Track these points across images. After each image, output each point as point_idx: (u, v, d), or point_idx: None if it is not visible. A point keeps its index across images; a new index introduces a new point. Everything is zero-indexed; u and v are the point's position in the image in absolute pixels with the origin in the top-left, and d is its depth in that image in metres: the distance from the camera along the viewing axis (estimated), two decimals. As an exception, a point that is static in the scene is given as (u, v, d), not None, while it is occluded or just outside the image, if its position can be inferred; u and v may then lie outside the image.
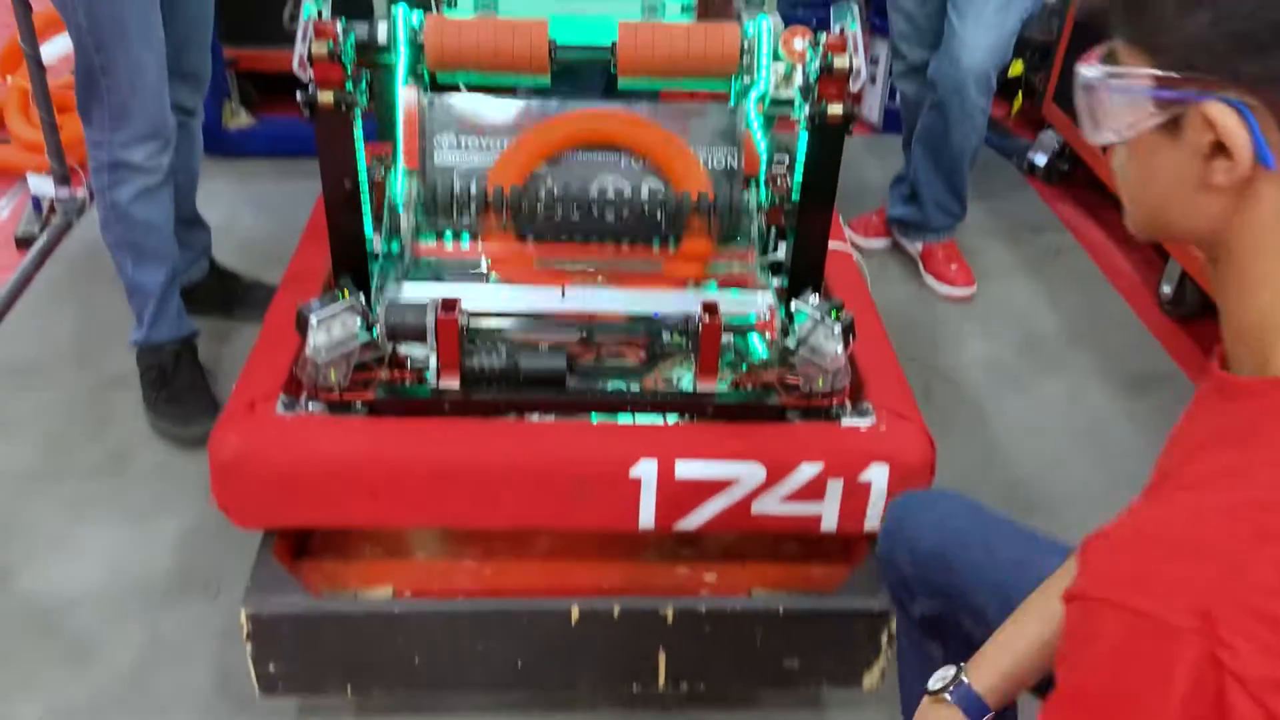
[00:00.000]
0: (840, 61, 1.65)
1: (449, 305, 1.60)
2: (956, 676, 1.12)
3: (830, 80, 1.66)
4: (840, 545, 1.83)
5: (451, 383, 1.65)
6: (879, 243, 3.15)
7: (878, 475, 1.62)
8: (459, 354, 1.62)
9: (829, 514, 1.65)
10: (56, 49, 3.25)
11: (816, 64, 1.67)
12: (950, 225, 2.99)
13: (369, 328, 1.66)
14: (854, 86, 1.68)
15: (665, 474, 1.60)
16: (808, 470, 1.61)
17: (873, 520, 1.66)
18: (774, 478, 1.61)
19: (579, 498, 1.62)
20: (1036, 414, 2.53)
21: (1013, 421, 2.49)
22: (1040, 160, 3.51)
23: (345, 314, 1.63)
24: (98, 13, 1.93)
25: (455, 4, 1.97)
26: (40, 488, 2.16)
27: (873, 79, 3.78)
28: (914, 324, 2.82)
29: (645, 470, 1.59)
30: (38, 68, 2.80)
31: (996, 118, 3.67)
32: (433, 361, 1.64)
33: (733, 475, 1.61)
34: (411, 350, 1.72)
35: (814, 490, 1.62)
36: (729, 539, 1.84)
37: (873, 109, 3.85)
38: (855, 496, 1.64)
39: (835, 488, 1.63)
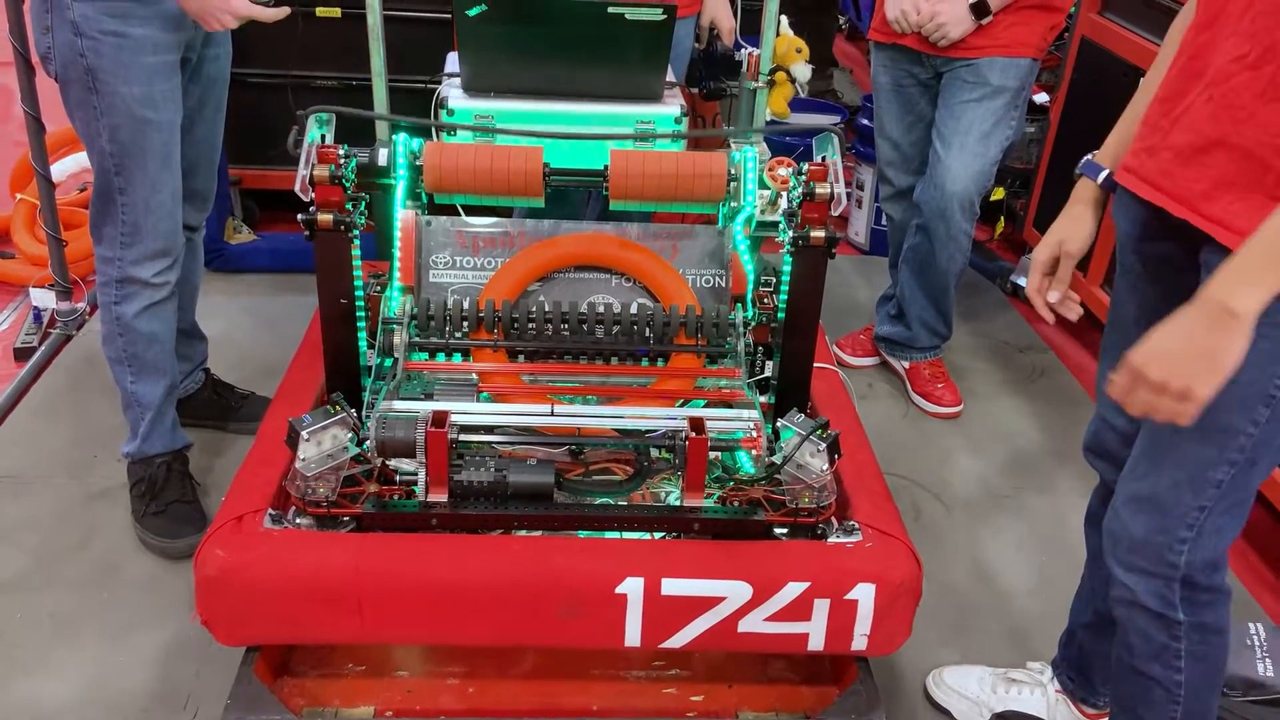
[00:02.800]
0: (821, 189, 1.72)
1: (439, 420, 1.62)
2: (1085, 159, 1.61)
3: (812, 206, 1.73)
4: (829, 665, 1.82)
5: (440, 496, 1.66)
6: (867, 361, 3.19)
7: (864, 594, 1.62)
8: (447, 468, 1.64)
9: (816, 633, 1.64)
10: (66, 167, 3.36)
11: (799, 191, 1.74)
12: (936, 345, 3.04)
13: (359, 442, 1.68)
14: (834, 212, 1.74)
15: (651, 592, 1.59)
16: (794, 589, 1.61)
17: (860, 640, 1.65)
18: (760, 597, 1.61)
19: (565, 615, 1.61)
20: (1024, 532, 2.53)
21: (1001, 540, 2.49)
22: (1023, 282, 3.55)
23: (336, 428, 1.65)
24: (122, 138, 2.01)
25: (454, 132, 2.05)
26: (24, 598, 2.13)
27: (859, 203, 3.90)
28: (902, 442, 2.84)
29: (631, 588, 1.59)
30: (48, 185, 2.89)
31: (980, 241, 3.77)
32: (422, 475, 1.65)
33: (719, 594, 1.61)
34: (401, 464, 1.73)
35: (800, 609, 1.62)
36: (717, 658, 1.82)
37: (860, 232, 3.95)
38: (842, 615, 1.63)
39: (822, 607, 1.62)
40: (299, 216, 1.72)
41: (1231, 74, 1.31)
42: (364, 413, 1.80)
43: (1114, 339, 1.65)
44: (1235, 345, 1.19)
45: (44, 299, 3.04)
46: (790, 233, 1.78)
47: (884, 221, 3.28)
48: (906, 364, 3.07)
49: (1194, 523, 1.43)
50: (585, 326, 1.88)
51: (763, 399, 1.93)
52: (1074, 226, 1.60)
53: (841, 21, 6.13)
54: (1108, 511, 1.53)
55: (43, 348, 2.94)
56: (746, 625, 1.63)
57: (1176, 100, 1.40)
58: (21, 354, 2.94)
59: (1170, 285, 1.51)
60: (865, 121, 3.71)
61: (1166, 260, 1.50)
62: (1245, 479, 1.41)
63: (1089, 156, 1.63)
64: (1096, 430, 1.71)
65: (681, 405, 1.86)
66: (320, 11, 3.23)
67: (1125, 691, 1.61)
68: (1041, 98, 3.61)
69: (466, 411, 1.72)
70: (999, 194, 3.73)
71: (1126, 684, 1.59)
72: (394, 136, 1.90)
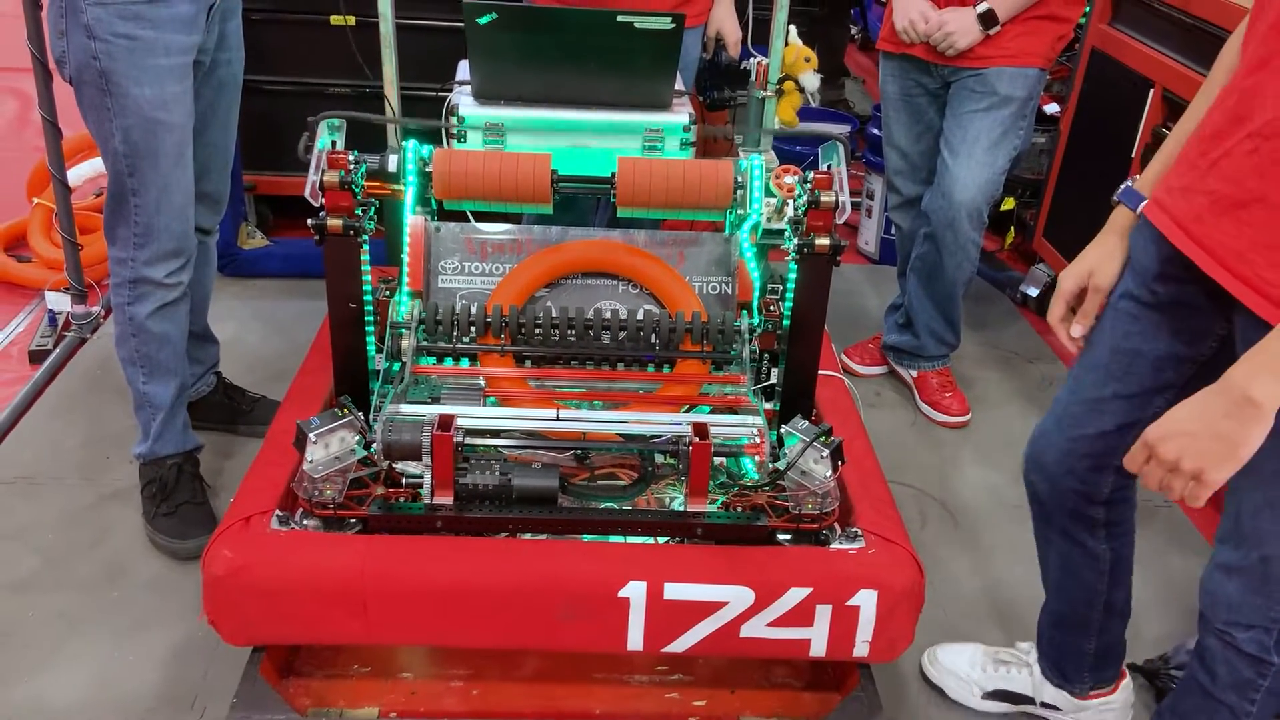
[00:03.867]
0: (826, 197, 1.73)
1: (445, 423, 1.64)
2: (1125, 185, 1.55)
3: (817, 214, 1.74)
4: (831, 671, 1.82)
5: (445, 499, 1.67)
6: (875, 370, 3.20)
7: (866, 601, 1.62)
8: (453, 471, 1.65)
9: (818, 639, 1.65)
10: (82, 172, 3.40)
11: (804, 199, 1.75)
12: (944, 354, 3.04)
13: (367, 444, 1.70)
14: (839, 220, 1.75)
15: (654, 596, 1.60)
16: (796, 595, 1.61)
17: (861, 646, 1.65)
18: (762, 602, 1.61)
19: (568, 618, 1.62)
20: (1030, 542, 2.51)
21: (1008, 549, 2.49)
22: (1033, 292, 3.60)
23: (343, 430, 1.67)
24: (135, 140, 2.04)
25: (464, 138, 2.07)
26: (35, 598, 2.16)
27: (869, 212, 3.90)
28: (910, 451, 2.84)
29: (634, 592, 1.60)
30: (64, 190, 2.92)
31: (990, 251, 3.77)
32: (428, 478, 1.66)
33: (721, 598, 1.61)
34: (407, 467, 1.75)
35: (802, 615, 1.62)
36: (719, 663, 1.83)
37: (870, 241, 3.95)
38: (844, 621, 1.64)
39: (824, 613, 1.63)
40: (309, 221, 1.74)
41: None
42: (371, 416, 1.82)
43: (1102, 359, 1.59)
44: (1253, 434, 1.16)
45: (59, 302, 3.07)
46: (795, 240, 1.79)
47: (893, 230, 3.28)
48: (914, 373, 3.07)
49: None
50: (592, 332, 1.90)
51: (768, 405, 1.94)
52: (1106, 259, 1.53)
53: (853, 31, 6.15)
54: (1205, 568, 1.51)
55: (57, 350, 2.97)
56: (748, 630, 1.63)
57: (1217, 142, 1.32)
58: (36, 356, 2.97)
59: (1178, 325, 1.46)
60: (876, 131, 3.72)
61: (1183, 304, 1.45)
62: None
63: (1129, 183, 1.55)
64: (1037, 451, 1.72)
65: (686, 411, 1.87)
66: (334, 20, 3.26)
67: (1189, 707, 1.58)
68: (1052, 108, 3.61)
69: (473, 415, 1.73)
70: (1009, 204, 3.73)
71: (1193, 701, 1.57)
72: (404, 143, 1.92)
